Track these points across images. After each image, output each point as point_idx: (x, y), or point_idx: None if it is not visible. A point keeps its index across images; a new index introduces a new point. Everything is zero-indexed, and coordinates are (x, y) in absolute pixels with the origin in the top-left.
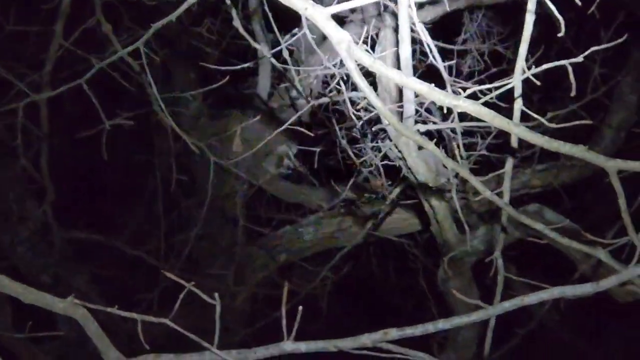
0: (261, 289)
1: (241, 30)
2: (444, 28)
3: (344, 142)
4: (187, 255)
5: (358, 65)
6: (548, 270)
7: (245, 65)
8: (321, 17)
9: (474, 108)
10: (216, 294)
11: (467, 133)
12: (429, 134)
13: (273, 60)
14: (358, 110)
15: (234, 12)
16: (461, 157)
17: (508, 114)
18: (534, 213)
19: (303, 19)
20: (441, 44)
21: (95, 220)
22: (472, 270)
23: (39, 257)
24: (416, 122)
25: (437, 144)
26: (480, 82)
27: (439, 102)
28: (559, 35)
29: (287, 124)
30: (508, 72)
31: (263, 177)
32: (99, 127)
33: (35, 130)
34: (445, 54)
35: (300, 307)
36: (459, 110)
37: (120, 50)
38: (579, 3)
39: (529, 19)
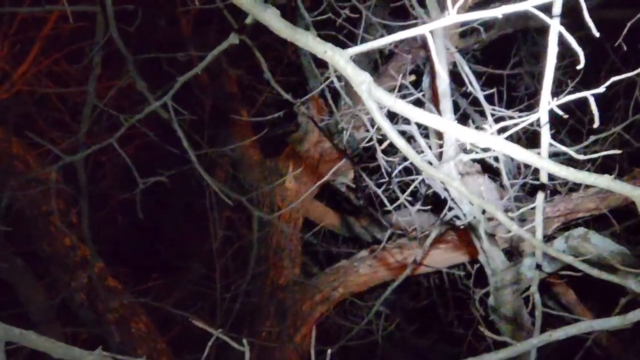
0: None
1: (273, 83)
2: (497, 52)
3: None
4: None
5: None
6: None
7: (277, 114)
8: (340, 60)
9: (497, 143)
10: (244, 340)
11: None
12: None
13: (305, 111)
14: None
15: (264, 66)
16: (502, 187)
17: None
18: (580, 237)
19: (329, 64)
20: (490, 70)
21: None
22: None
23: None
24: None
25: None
26: (531, 106)
27: (462, 139)
28: (578, 67)
29: (330, 172)
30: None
31: (318, 211)
32: (134, 190)
33: (74, 193)
34: (497, 78)
35: (329, 351)
36: (483, 146)
37: (153, 104)
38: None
39: (552, 51)
